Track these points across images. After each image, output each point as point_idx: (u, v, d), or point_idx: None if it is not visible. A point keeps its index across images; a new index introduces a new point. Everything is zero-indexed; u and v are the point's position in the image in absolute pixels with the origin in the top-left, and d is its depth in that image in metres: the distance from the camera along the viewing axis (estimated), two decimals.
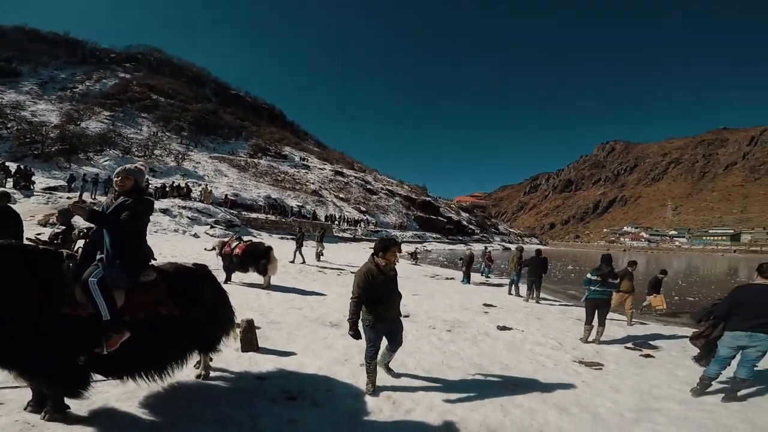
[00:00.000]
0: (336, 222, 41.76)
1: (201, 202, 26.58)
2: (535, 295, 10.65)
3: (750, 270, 35.44)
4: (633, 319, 8.39)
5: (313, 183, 54.25)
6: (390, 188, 73.33)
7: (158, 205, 21.92)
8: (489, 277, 16.29)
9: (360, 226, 45.82)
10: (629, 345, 6.53)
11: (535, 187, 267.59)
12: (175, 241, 16.54)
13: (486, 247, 19.77)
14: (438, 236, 61.75)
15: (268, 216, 32.33)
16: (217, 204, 28.33)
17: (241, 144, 58.23)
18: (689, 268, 38.42)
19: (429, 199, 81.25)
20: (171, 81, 63.59)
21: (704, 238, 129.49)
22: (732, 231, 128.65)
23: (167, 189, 26.90)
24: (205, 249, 10.15)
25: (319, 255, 17.09)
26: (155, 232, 17.94)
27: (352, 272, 13.89)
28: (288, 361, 4.47)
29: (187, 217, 22.30)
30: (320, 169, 63.33)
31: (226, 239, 9.94)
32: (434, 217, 69.54)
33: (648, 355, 5.98)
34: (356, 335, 3.70)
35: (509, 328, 7.01)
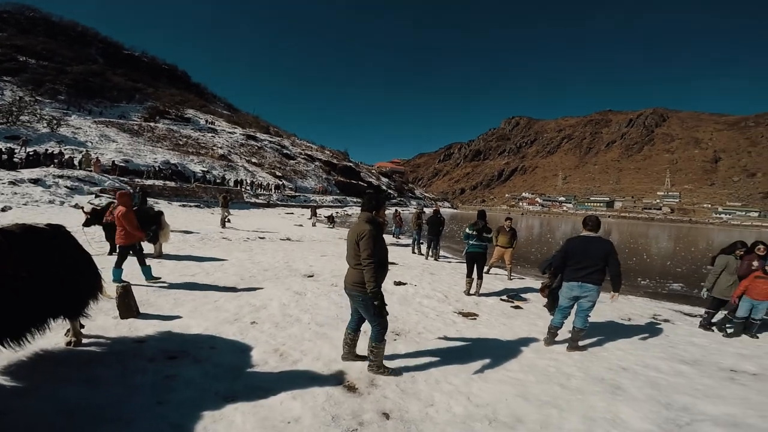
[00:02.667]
0: (247, 187, 39.52)
1: (83, 170, 23.13)
2: (433, 253, 11.36)
3: (619, 233, 42.61)
4: (512, 274, 9.29)
5: (221, 147, 50.60)
6: (309, 153, 71.28)
7: (26, 174, 18.79)
8: (399, 238, 17.13)
9: (275, 191, 44.07)
10: (504, 297, 7.07)
11: (449, 156, 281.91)
12: (51, 213, 14.29)
13: (396, 209, 20.53)
14: (359, 200, 61.78)
15: (167, 182, 29.35)
16: (104, 171, 25.02)
17: (135, 107, 52.83)
18: (574, 230, 44.59)
19: (350, 164, 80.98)
20: (47, 41, 55.85)
21: (586, 204, 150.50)
22: (607, 198, 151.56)
23: (41, 157, 22.99)
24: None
25: (224, 221, 16.24)
26: (24, 204, 15.26)
27: (260, 238, 13.51)
28: (172, 324, 4.35)
29: (66, 187, 19.28)
30: (230, 132, 59.22)
31: (97, 202, 8.79)
32: (355, 182, 69.84)
33: (517, 307, 6.50)
34: (384, 306, 3.27)
35: (404, 284, 7.49)
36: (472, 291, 7.06)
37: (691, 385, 3.84)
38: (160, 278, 6.29)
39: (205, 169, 39.14)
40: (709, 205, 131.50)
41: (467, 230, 7.05)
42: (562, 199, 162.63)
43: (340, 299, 5.95)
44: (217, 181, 37.08)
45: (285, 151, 64.45)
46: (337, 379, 3.40)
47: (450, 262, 11.49)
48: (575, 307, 4.53)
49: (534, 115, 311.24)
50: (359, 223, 3.30)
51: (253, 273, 7.51)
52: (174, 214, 19.42)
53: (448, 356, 4.10)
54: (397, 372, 3.58)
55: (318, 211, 26.81)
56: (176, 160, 37.36)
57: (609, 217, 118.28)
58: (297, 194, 47.15)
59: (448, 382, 3.51)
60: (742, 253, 5.94)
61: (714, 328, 6.00)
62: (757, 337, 5.60)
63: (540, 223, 58.91)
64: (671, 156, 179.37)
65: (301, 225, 21.93)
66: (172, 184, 29.68)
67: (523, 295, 7.38)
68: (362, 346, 3.87)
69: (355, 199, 61.08)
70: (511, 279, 9.03)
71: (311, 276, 7.67)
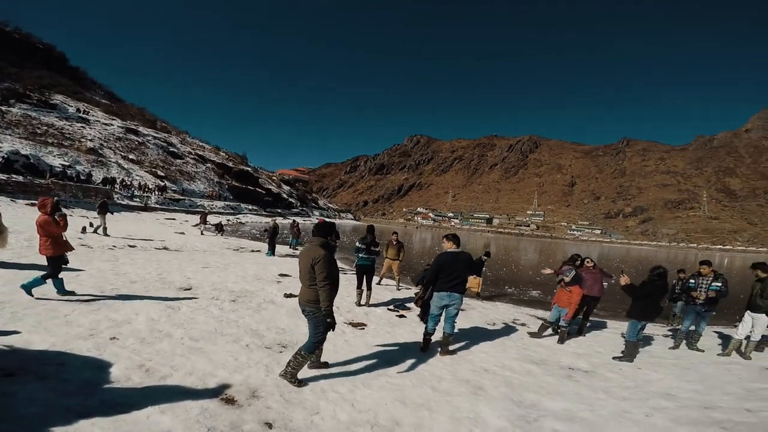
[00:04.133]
0: (117, 187, 34.44)
1: None
2: None
3: (497, 246, 47.90)
4: (401, 284, 9.74)
5: (91, 140, 43.40)
6: (201, 153, 65.38)
7: None
8: (297, 249, 16.68)
9: (156, 193, 39.17)
10: (390, 307, 7.32)
11: (355, 168, 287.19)
12: None
13: (294, 220, 20.00)
14: (255, 208, 59.09)
15: (12, 176, 24.01)
16: None
17: None
18: (461, 244, 48.65)
19: (248, 168, 76.43)
20: None
21: (470, 220, 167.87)
22: (488, 216, 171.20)
23: None
24: None
25: (97, 229, 13.78)
26: None
27: (130, 246, 11.85)
28: (7, 339, 3.78)
29: None
30: (105, 124, 51.27)
31: None
32: (252, 188, 66.10)
33: (402, 316, 6.75)
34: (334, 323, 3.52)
35: (295, 296, 7.25)
36: (363, 302, 7.24)
37: (538, 383, 4.33)
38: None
39: (67, 163, 32.98)
40: (566, 223, 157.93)
41: (357, 244, 7.35)
42: (451, 214, 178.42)
43: (220, 313, 5.61)
44: (82, 177, 31.49)
45: (172, 149, 57.95)
46: (213, 392, 3.25)
47: (345, 273, 11.50)
48: (443, 314, 4.91)
49: (433, 135, 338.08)
50: (313, 247, 3.60)
51: (117, 285, 6.61)
52: (18, 215, 16.36)
53: (335, 365, 4.17)
54: (303, 383, 3.64)
55: (208, 217, 24.57)
56: (29, 151, 30.82)
57: (488, 232, 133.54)
58: (182, 198, 42.66)
59: (334, 391, 3.55)
60: (578, 263, 7.19)
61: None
62: (584, 336, 6.76)
63: (431, 236, 63.48)
64: (539, 179, 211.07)
65: (183, 233, 19.89)
66: (19, 178, 24.40)
67: (408, 305, 7.69)
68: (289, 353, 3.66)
69: (250, 207, 57.72)
70: (399, 289, 9.42)
71: (188, 289, 7.01)
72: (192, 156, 61.13)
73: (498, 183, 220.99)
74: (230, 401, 3.15)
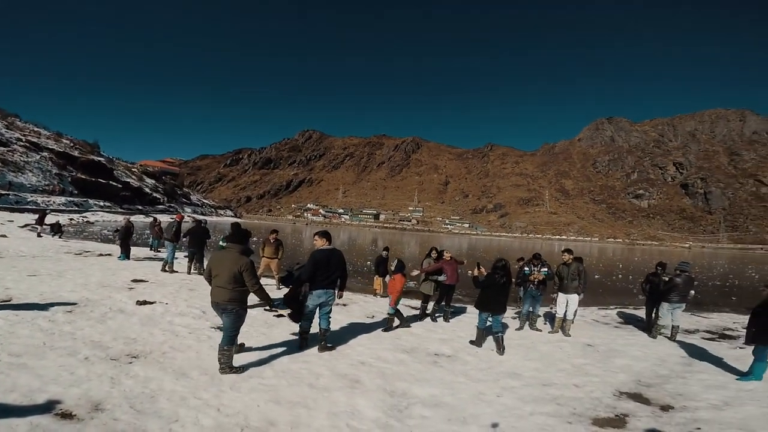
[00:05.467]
0: None
1: None
2: (197, 267, 10.10)
3: (383, 240, 49.45)
4: (281, 284, 9.06)
5: None
6: (35, 140, 52.81)
7: None
8: (159, 251, 14.95)
9: None
10: (267, 307, 6.81)
11: (237, 161, 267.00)
12: None
13: (155, 218, 17.66)
14: (109, 204, 50.46)
15: None
16: None
17: None
18: (350, 239, 49.64)
19: (100, 159, 64.55)
20: None
21: (359, 215, 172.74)
22: (375, 212, 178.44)
23: None
24: None
25: None
26: None
27: None
28: None
29: None
30: None
31: None
32: (105, 182, 56.10)
33: (281, 315, 6.45)
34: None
35: (152, 302, 6.59)
36: None
37: (408, 372, 4.53)
38: None
39: None
40: (441, 218, 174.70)
41: (221, 243, 6.93)
42: (341, 211, 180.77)
43: (51, 326, 4.85)
44: None
45: None
46: (44, 408, 2.96)
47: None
48: (317, 311, 4.93)
49: (326, 131, 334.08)
50: (235, 255, 3.99)
51: None
52: None
53: (197, 372, 3.93)
54: (241, 370, 4.04)
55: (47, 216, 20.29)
56: None
57: (376, 227, 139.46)
58: (5, 193, 34.12)
59: (196, 397, 3.36)
60: (436, 255, 7.67)
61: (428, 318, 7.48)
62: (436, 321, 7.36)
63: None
64: (420, 178, 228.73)
65: (4, 235, 16.10)
66: None
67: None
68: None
69: (102, 203, 49.19)
70: (279, 288, 9.07)
71: (7, 300, 5.94)
72: (22, 143, 48.97)
73: (385, 180, 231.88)
74: (68, 416, 2.89)
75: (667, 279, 7.36)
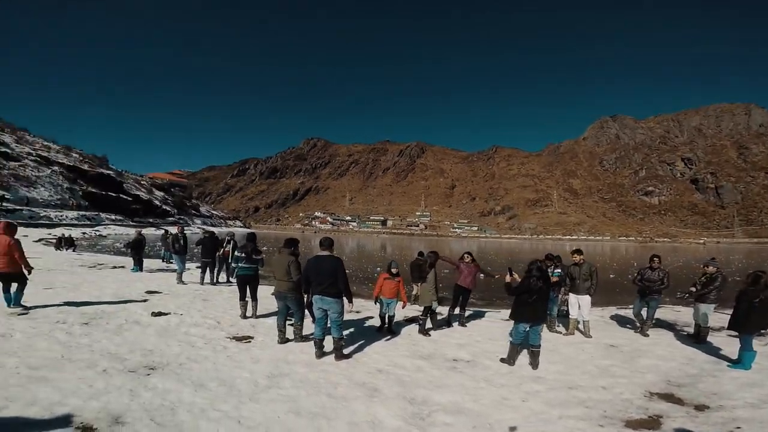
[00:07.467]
0: None
1: None
2: (209, 277, 10.23)
3: (392, 246, 49.94)
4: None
5: None
6: (45, 155, 53.91)
7: None
8: (171, 262, 15.10)
9: None
10: None
11: (244, 171, 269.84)
12: None
13: (166, 230, 17.95)
14: (120, 218, 51.26)
15: None
16: None
17: None
18: (359, 245, 49.87)
19: (109, 172, 65.69)
20: None
21: (367, 222, 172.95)
22: (383, 218, 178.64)
23: None
24: None
25: None
26: None
27: None
28: None
29: None
30: None
31: None
32: (115, 195, 57.03)
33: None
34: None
35: (166, 314, 6.60)
36: (249, 314, 6.84)
37: (427, 378, 4.43)
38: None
39: None
40: (449, 222, 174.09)
41: (236, 253, 6.91)
42: (349, 218, 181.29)
43: (68, 338, 4.89)
44: None
45: (2, 150, 46.52)
46: (64, 421, 2.94)
47: (231, 285, 10.38)
48: (328, 319, 4.87)
49: (331, 139, 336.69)
50: (286, 255, 5.26)
51: None
52: None
53: (215, 383, 3.90)
54: (306, 338, 5.43)
55: (51, 230, 20.62)
56: None
57: (384, 233, 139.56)
58: (19, 208, 34.75)
59: (215, 409, 3.33)
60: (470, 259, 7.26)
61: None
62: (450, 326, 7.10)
63: (336, 240, 63.38)
64: (426, 183, 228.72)
65: None
66: None
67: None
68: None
69: (113, 216, 49.87)
70: None
71: (24, 314, 5.98)
72: (32, 158, 50.01)
73: (391, 186, 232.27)
74: (88, 429, 2.86)
75: (706, 279, 6.60)
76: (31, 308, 6.30)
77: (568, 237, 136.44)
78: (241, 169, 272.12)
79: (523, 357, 5.28)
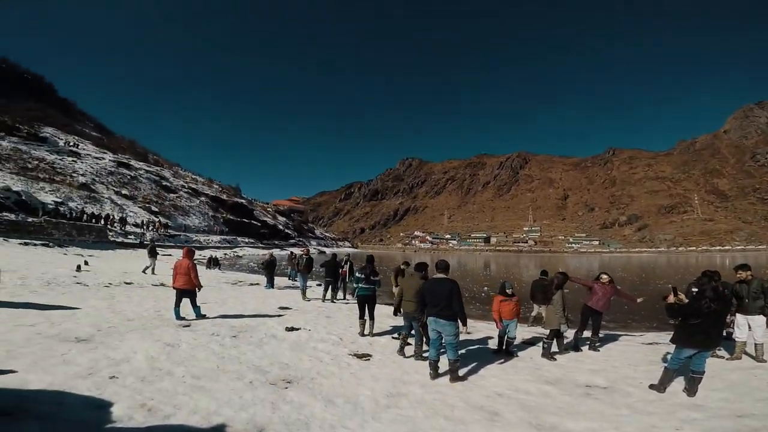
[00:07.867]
0: (116, 224, 34.22)
1: None
2: (330, 295, 11.03)
3: (497, 264, 47.82)
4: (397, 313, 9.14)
5: (83, 174, 43.20)
6: (194, 187, 65.56)
7: None
8: (296, 280, 16.44)
9: (150, 229, 38.93)
10: (395, 335, 7.07)
11: (349, 195, 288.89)
12: None
13: (291, 251, 19.84)
14: (252, 241, 58.82)
15: (3, 214, 23.89)
16: None
17: None
18: (460, 264, 48.72)
19: (242, 201, 76.68)
20: None
21: (468, 240, 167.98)
22: (485, 235, 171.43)
23: None
24: None
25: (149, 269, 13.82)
26: None
27: (126, 283, 11.71)
28: (2, 379, 3.69)
29: None
30: (96, 158, 51.21)
31: None
32: (247, 221, 66.00)
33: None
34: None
35: (297, 329, 7.10)
36: (366, 332, 7.14)
37: (556, 404, 4.18)
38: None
39: (60, 200, 32.90)
40: (563, 237, 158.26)
41: (356, 274, 7.45)
42: (448, 236, 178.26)
43: (221, 350, 5.45)
44: (75, 215, 31.26)
45: (165, 183, 58.05)
46: (220, 431, 3.16)
47: (348, 303, 11.14)
48: (443, 341, 4.86)
49: (424, 157, 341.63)
50: (418, 278, 5.82)
51: (114, 323, 6.52)
52: (10, 254, 16.32)
53: (342, 400, 4.04)
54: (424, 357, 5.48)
55: (201, 252, 24.41)
56: (20, 187, 30.68)
57: (487, 251, 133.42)
58: (177, 233, 42.38)
59: (343, 426, 3.42)
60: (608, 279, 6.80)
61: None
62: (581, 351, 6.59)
63: (431, 260, 63.10)
64: (532, 195, 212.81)
65: None
66: (11, 216, 24.19)
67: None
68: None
69: (247, 240, 57.34)
70: (396, 316, 8.93)
71: (187, 326, 6.82)
72: (186, 189, 61.23)
73: (492, 201, 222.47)
74: None
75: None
76: (191, 320, 7.17)
77: (718, 248, 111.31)
78: (347, 193, 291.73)
79: (676, 384, 4.66)
